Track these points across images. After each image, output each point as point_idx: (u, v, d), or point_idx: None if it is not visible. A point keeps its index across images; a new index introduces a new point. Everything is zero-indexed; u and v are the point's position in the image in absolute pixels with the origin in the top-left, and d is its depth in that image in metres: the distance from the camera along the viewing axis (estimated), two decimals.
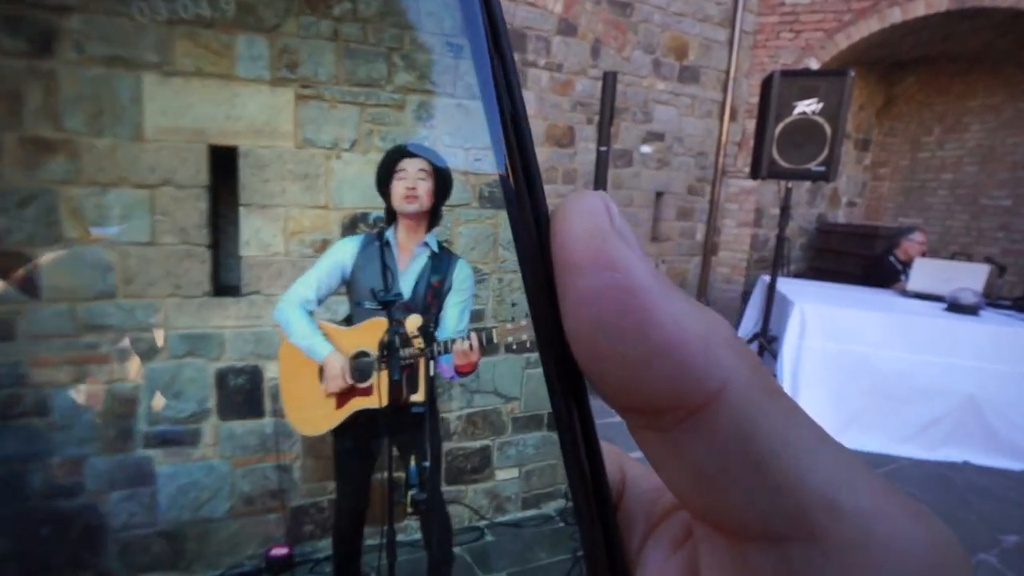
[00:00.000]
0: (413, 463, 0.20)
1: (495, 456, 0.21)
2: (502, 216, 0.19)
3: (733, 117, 5.42)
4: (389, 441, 0.21)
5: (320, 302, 0.20)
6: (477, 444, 0.20)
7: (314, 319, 0.19)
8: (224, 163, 0.16)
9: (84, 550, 0.16)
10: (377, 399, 0.20)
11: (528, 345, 0.18)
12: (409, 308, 0.20)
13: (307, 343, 0.19)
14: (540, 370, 0.18)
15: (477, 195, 0.21)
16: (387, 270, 0.20)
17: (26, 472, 0.16)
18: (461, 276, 0.20)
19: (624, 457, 0.22)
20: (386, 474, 0.21)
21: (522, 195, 0.18)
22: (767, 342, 3.60)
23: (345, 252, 0.20)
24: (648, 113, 5.16)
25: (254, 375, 0.19)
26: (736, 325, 4.32)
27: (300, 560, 0.19)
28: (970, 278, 3.40)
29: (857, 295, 3.69)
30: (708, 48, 5.25)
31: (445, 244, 0.21)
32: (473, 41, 0.18)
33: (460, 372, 0.20)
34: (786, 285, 3.83)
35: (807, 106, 3.53)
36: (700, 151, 5.47)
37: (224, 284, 0.19)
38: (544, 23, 4.47)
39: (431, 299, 0.20)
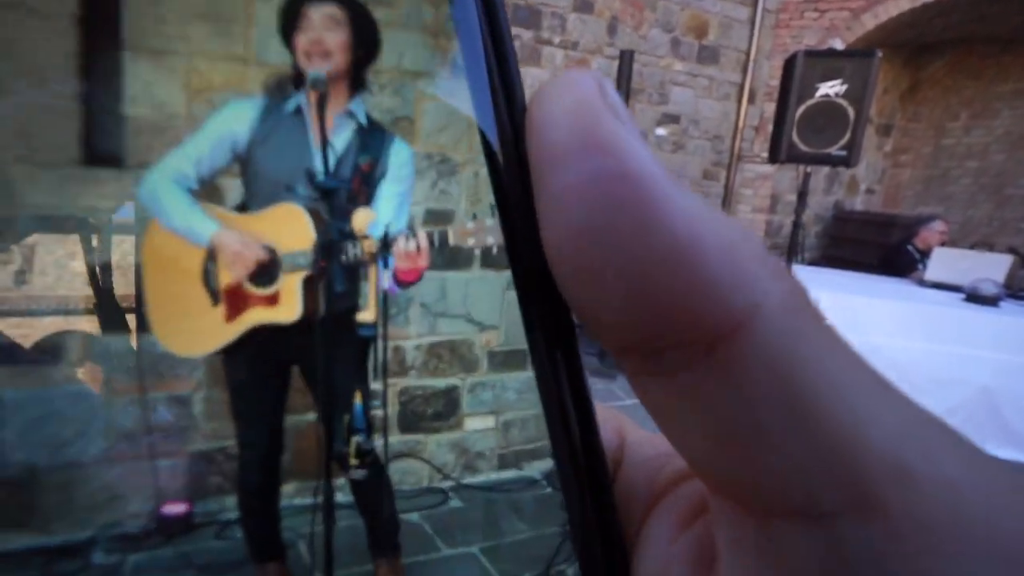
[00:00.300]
0: (358, 401, 0.16)
1: (464, 400, 0.16)
2: None
3: (752, 100, 5.29)
4: (324, 370, 0.17)
5: (202, 182, 0.15)
6: (441, 384, 0.16)
7: (195, 198, 0.15)
8: None
9: None
10: (287, 310, 0.16)
11: (494, 252, 0.14)
12: (340, 193, 0.16)
13: (184, 223, 0.15)
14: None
15: (448, 62, 0.16)
16: (327, 146, 0.15)
17: None
18: (399, 160, 0.15)
19: (623, 419, 0.19)
20: (317, 415, 0.17)
21: (489, 65, 0.14)
22: None
23: (237, 120, 0.15)
24: (664, 94, 5.04)
25: (141, 274, 0.15)
26: None
27: (202, 521, 0.16)
28: (991, 268, 3.31)
29: (873, 284, 3.62)
30: (728, 27, 5.10)
31: (378, 120, 0.16)
32: None
33: (402, 281, 0.16)
34: (801, 273, 3.76)
35: (830, 88, 3.42)
36: (716, 134, 5.35)
37: (100, 151, 0.15)
38: None
39: (359, 186, 0.16)
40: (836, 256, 5.94)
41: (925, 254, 4.05)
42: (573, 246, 0.12)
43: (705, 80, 5.16)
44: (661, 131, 5.10)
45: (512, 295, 0.15)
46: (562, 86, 0.13)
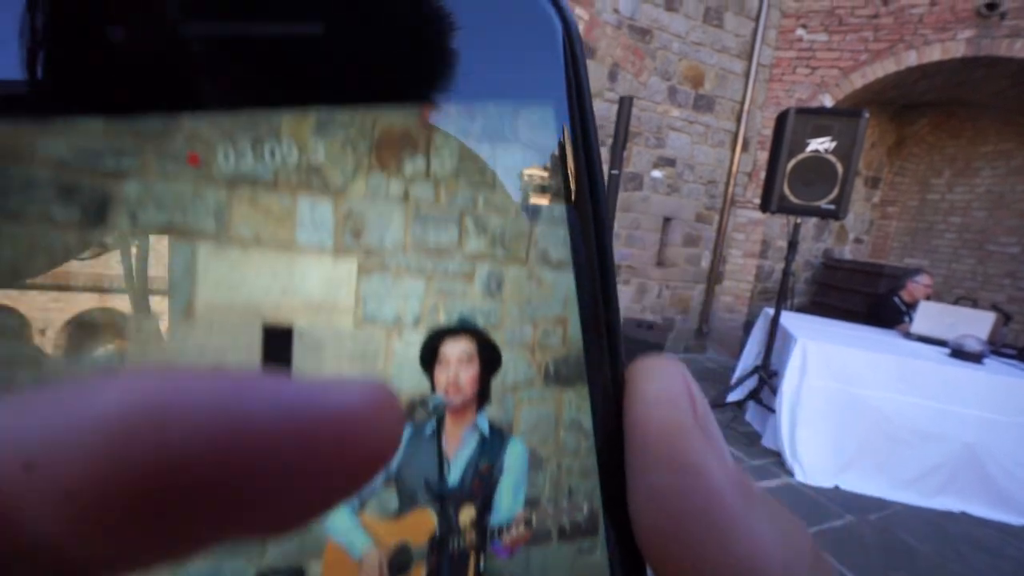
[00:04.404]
0: None
1: None
2: (567, 396, 0.18)
3: (745, 148, 5.45)
4: None
5: (363, 503, 0.18)
6: None
7: (355, 514, 0.18)
8: (277, 343, 0.15)
9: None
10: None
11: (582, 527, 0.18)
12: (454, 497, 0.19)
13: (346, 539, 0.18)
14: (592, 560, 0.17)
15: (542, 373, 0.19)
16: (443, 460, 0.19)
17: None
18: (512, 456, 0.19)
19: None
20: None
21: (600, 342, 0.18)
22: (768, 376, 3.58)
23: None
24: (661, 139, 5.19)
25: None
26: (737, 356, 4.30)
27: None
28: (975, 325, 3.39)
29: (859, 334, 3.68)
30: (724, 78, 5.30)
31: (497, 426, 0.19)
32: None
33: (509, 549, 0.19)
34: (789, 320, 3.82)
35: (820, 144, 3.55)
36: (710, 179, 5.49)
37: None
38: None
39: (477, 486, 0.19)
40: (824, 303, 6.04)
41: (911, 306, 4.14)
42: (659, 535, 0.16)
43: (701, 127, 5.32)
44: (657, 173, 5.23)
45: (580, 568, 0.19)
46: (658, 394, 0.17)
